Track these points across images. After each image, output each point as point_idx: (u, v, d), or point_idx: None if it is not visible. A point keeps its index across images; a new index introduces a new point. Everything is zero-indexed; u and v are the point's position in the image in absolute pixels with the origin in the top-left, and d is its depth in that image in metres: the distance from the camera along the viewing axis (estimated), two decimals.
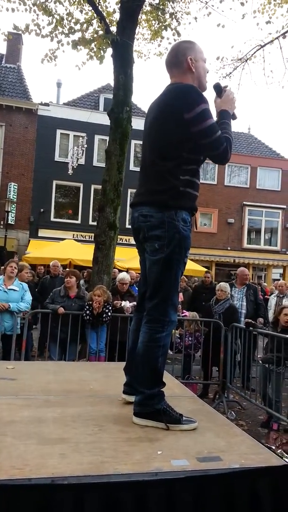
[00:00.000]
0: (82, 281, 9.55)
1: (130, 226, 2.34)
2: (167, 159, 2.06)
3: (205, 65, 2.26)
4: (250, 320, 5.61)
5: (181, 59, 2.18)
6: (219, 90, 2.27)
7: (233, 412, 5.48)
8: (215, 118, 2.17)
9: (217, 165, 23.33)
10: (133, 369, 2.27)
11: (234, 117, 2.29)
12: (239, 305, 6.59)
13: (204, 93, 2.19)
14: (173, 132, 2.05)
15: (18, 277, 6.17)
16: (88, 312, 5.51)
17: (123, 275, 6.65)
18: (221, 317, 6.01)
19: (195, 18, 8.81)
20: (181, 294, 8.75)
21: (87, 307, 5.54)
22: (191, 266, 15.20)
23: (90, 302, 5.55)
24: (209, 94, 2.31)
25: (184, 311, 7.08)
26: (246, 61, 11.26)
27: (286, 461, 1.78)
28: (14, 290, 5.48)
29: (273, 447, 4.07)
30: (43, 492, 1.42)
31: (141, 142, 2.40)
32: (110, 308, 5.61)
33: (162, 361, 2.14)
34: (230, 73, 11.61)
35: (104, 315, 5.52)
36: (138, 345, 2.15)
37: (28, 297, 5.60)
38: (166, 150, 2.07)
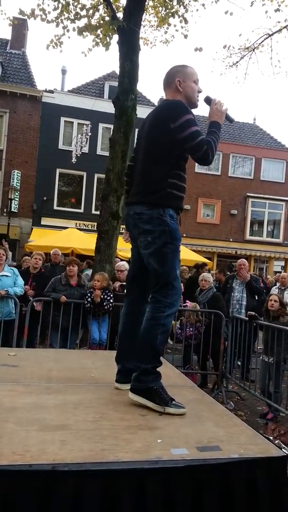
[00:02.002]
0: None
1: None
2: (159, 164, 2.34)
3: (195, 85, 2.51)
4: (253, 313, 5.62)
5: (170, 81, 2.49)
6: (209, 101, 2.53)
7: (231, 402, 5.52)
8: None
9: (221, 156, 23.22)
10: (127, 349, 2.49)
11: (230, 119, 2.59)
12: (239, 296, 6.57)
13: (197, 108, 2.56)
14: (162, 140, 2.33)
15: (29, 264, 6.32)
16: (89, 299, 5.53)
17: (122, 263, 6.66)
18: (205, 306, 6.13)
19: (203, 4, 8.63)
20: (181, 284, 8.68)
21: (89, 294, 5.56)
22: (193, 257, 15.20)
23: (91, 290, 5.57)
24: (203, 108, 2.48)
25: (187, 301, 7.09)
26: (253, 50, 11.14)
27: (285, 452, 1.79)
28: (6, 276, 5.54)
29: (271, 438, 4.11)
30: (44, 478, 1.43)
31: None
32: (111, 295, 5.62)
33: (160, 339, 2.31)
34: (237, 62, 11.51)
35: (105, 303, 5.53)
36: (143, 324, 2.33)
37: (20, 281, 5.69)
38: (157, 156, 2.35)
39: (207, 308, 6.07)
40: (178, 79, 2.46)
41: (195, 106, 2.53)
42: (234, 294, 6.64)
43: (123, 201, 7.00)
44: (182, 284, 8.80)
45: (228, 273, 9.00)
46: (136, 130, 2.69)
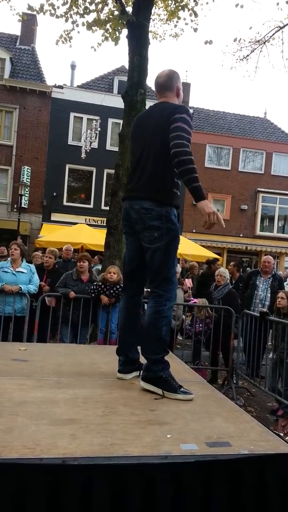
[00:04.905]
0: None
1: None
2: (167, 165, 2.39)
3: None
4: (264, 310, 5.58)
5: (173, 85, 2.62)
6: None
7: (241, 399, 5.51)
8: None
9: (231, 150, 23.05)
10: (129, 341, 2.65)
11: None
12: (263, 296, 6.44)
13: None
14: (166, 140, 2.35)
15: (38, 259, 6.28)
16: (93, 288, 5.55)
17: None
18: (220, 302, 6.03)
19: None
20: (190, 280, 8.72)
21: (100, 284, 5.57)
22: (203, 252, 15.13)
23: (100, 283, 5.58)
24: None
25: (191, 297, 7.06)
26: (264, 43, 11.00)
27: None
28: (22, 272, 5.49)
29: (282, 434, 4.10)
30: (54, 472, 1.44)
31: None
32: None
33: (165, 330, 2.45)
34: (248, 55, 11.38)
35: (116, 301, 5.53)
36: (145, 318, 2.46)
37: (36, 279, 5.63)
38: (165, 157, 2.37)
39: (221, 304, 6.00)
40: (178, 85, 2.63)
41: None
42: (258, 293, 6.50)
43: None
44: (191, 280, 8.83)
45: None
46: None
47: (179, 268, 7.54)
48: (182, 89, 2.70)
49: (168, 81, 2.62)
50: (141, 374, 2.44)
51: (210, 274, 8.31)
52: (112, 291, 5.57)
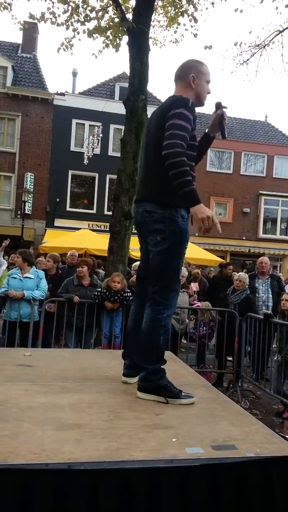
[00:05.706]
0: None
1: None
2: None
3: (206, 85, 2.46)
4: (268, 312, 5.56)
5: (185, 74, 2.41)
6: (218, 107, 2.54)
7: (247, 401, 5.49)
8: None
9: (233, 154, 23.07)
10: (136, 348, 2.49)
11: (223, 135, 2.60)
12: (265, 297, 6.41)
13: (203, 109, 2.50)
14: (164, 136, 2.20)
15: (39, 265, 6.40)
16: (97, 294, 5.55)
17: (137, 263, 6.66)
18: (236, 307, 5.97)
19: (212, 3, 8.57)
20: (196, 284, 8.71)
21: (104, 291, 5.57)
22: (206, 256, 15.11)
23: (104, 290, 5.57)
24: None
25: (196, 301, 7.05)
26: (264, 47, 11.04)
27: None
28: (29, 278, 5.51)
29: (287, 437, 4.06)
30: (60, 477, 1.44)
31: None
32: (129, 293, 5.58)
33: (163, 340, 2.36)
34: (248, 59, 11.43)
35: (126, 302, 5.54)
36: (142, 325, 2.36)
37: (44, 285, 5.62)
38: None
39: (237, 309, 5.92)
40: (192, 75, 2.39)
41: (202, 105, 2.50)
42: (259, 295, 6.49)
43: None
44: (198, 283, 8.81)
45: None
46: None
47: (185, 272, 7.52)
48: (204, 79, 2.43)
49: (179, 71, 2.44)
50: (138, 384, 2.35)
51: (222, 278, 8.29)
52: (116, 297, 5.57)
